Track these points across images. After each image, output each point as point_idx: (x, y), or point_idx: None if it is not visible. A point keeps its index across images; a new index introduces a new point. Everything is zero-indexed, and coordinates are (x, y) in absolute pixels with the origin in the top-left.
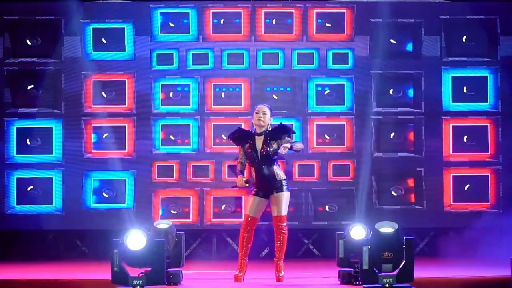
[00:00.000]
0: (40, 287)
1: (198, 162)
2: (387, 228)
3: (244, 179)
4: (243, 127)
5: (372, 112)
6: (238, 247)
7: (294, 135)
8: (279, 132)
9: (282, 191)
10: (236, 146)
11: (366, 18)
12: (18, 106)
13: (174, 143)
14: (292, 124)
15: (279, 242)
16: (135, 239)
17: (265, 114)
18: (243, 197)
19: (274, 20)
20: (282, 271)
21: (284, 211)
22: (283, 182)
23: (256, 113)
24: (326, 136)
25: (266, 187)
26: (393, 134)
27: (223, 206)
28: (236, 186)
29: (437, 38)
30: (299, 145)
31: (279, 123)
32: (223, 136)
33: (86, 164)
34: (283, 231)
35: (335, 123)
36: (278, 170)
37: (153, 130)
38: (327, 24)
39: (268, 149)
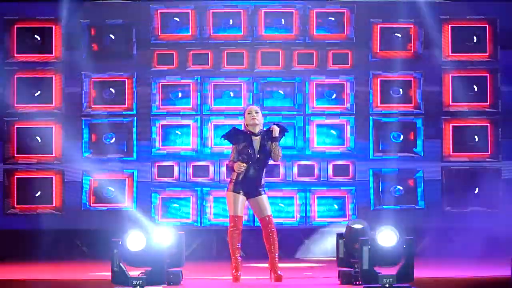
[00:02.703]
0: (40, 287)
1: (198, 162)
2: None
3: (242, 164)
4: (236, 127)
5: (372, 112)
6: (230, 249)
7: (286, 133)
8: (275, 135)
9: (261, 194)
10: (230, 146)
11: (366, 18)
12: (18, 106)
13: (174, 143)
14: (292, 124)
15: (272, 240)
16: (135, 240)
17: (257, 113)
18: None
19: (274, 20)
20: (279, 271)
21: (269, 211)
22: (262, 187)
23: (249, 113)
24: (326, 136)
25: (249, 187)
26: (393, 134)
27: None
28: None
29: (437, 38)
30: (279, 151)
31: (272, 122)
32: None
33: (86, 164)
34: (273, 229)
35: (335, 123)
36: (263, 175)
37: (153, 130)
38: (327, 24)
39: (264, 150)
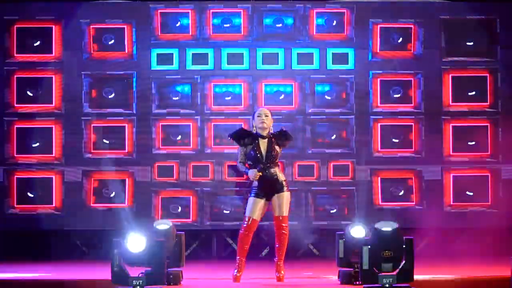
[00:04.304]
0: (40, 287)
1: (198, 162)
2: (386, 228)
3: (258, 172)
4: (244, 128)
5: (372, 112)
6: (237, 248)
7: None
8: (283, 139)
9: (283, 191)
10: (235, 146)
11: (366, 18)
12: (18, 106)
13: (174, 143)
14: (292, 124)
15: (280, 243)
16: (135, 241)
17: (267, 116)
18: (242, 197)
19: (274, 20)
20: (282, 271)
21: (286, 212)
22: (284, 183)
23: (258, 116)
24: (326, 136)
25: (269, 188)
26: (393, 133)
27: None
28: (250, 183)
29: (437, 38)
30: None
31: (280, 128)
32: (227, 137)
33: (86, 164)
34: (284, 232)
35: (335, 123)
36: (279, 172)
37: (153, 130)
38: (327, 24)
39: (273, 152)
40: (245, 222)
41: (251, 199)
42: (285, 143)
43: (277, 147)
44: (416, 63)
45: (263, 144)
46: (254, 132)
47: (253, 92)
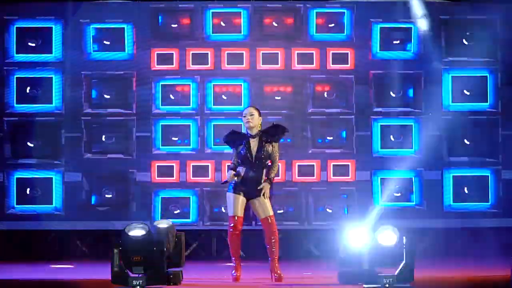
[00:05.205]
0: (40, 287)
1: (198, 162)
2: (387, 241)
3: (233, 173)
4: (234, 130)
5: (372, 112)
6: (231, 249)
7: (286, 133)
8: (273, 134)
9: (263, 194)
10: (230, 148)
11: (366, 18)
12: (18, 106)
13: (174, 143)
14: (292, 124)
15: (273, 241)
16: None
17: (252, 115)
18: None
19: (274, 20)
20: (279, 271)
21: (271, 211)
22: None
23: (244, 116)
24: (326, 136)
25: (250, 189)
26: (393, 134)
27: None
28: (227, 181)
29: (437, 38)
30: (275, 171)
31: (272, 123)
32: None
33: (86, 164)
34: (275, 230)
35: (335, 123)
36: (264, 175)
37: (153, 130)
38: (327, 24)
39: (262, 152)
40: (232, 222)
41: (230, 196)
42: (276, 138)
43: (267, 146)
44: (416, 63)
45: (253, 143)
46: (247, 133)
47: (253, 92)
